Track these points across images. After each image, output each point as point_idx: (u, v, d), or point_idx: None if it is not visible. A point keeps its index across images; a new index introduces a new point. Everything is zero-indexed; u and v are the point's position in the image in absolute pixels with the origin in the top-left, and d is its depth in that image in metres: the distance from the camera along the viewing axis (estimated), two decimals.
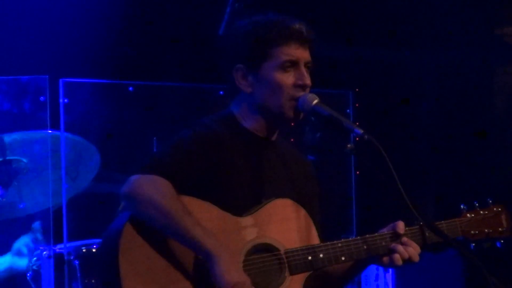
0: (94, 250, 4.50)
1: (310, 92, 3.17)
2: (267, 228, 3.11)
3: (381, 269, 5.58)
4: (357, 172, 5.92)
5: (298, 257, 3.10)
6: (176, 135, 3.13)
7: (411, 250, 3.19)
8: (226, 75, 3.21)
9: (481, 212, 3.39)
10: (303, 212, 3.20)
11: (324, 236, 3.24)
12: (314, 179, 3.37)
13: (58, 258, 4.53)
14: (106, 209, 4.35)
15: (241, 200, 3.10)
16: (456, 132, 6.67)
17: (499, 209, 3.42)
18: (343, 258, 3.15)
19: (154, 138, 5.12)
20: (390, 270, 5.59)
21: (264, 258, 3.07)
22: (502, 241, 3.40)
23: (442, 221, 3.30)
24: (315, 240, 3.20)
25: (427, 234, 3.23)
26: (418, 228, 3.24)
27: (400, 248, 3.18)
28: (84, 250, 4.51)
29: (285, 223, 3.13)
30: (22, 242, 4.64)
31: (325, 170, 5.71)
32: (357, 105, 5.93)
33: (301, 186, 3.28)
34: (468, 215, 3.37)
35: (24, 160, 4.54)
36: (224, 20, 5.52)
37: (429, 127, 6.92)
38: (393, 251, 3.18)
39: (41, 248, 4.60)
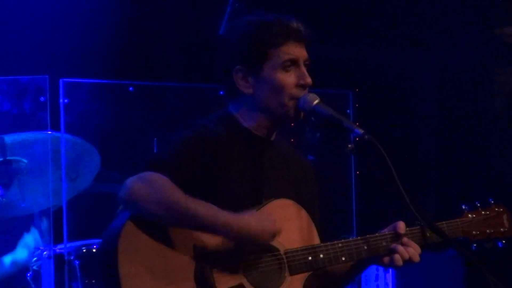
0: (94, 250, 4.50)
1: (311, 92, 3.17)
2: None
3: (381, 269, 5.58)
4: (357, 172, 5.92)
5: (298, 257, 3.10)
6: (174, 136, 3.13)
7: (411, 250, 3.19)
8: (225, 77, 3.21)
9: (483, 212, 3.38)
10: (303, 212, 3.20)
11: (324, 236, 3.24)
12: (314, 179, 3.37)
13: (58, 258, 4.53)
14: (106, 209, 4.33)
15: (241, 200, 3.10)
16: (456, 132, 6.68)
17: (501, 209, 3.42)
18: (343, 259, 3.15)
19: (155, 138, 5.12)
20: (390, 270, 5.59)
21: (263, 258, 3.07)
22: (503, 241, 3.40)
23: (443, 222, 3.30)
24: (315, 240, 3.20)
25: (427, 234, 3.23)
26: (418, 228, 3.23)
27: (400, 248, 3.18)
28: (84, 250, 4.51)
29: (285, 224, 3.12)
30: (31, 237, 4.66)
31: (325, 170, 5.71)
32: (357, 105, 5.92)
33: (301, 186, 3.28)
34: (469, 215, 3.37)
35: (25, 160, 4.55)
36: (224, 20, 5.52)
37: (429, 127, 6.92)
38: (393, 251, 3.18)
39: (41, 248, 4.60)
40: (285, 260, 3.09)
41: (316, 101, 3.13)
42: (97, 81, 5.26)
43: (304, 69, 3.16)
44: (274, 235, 3.00)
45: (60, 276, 4.52)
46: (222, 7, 5.55)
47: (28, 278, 4.59)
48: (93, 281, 4.47)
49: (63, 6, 5.59)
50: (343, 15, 6.37)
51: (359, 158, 3.08)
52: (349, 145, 3.11)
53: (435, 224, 3.19)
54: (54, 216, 4.68)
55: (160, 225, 2.98)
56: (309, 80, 3.15)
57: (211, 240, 3.00)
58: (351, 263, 3.25)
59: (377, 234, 3.21)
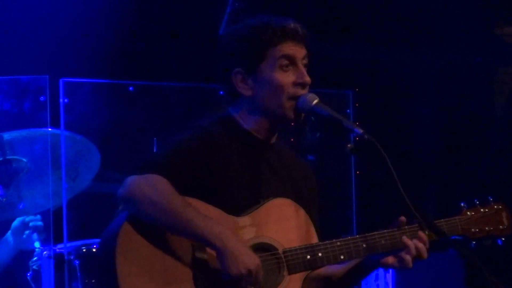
0: (94, 250, 4.50)
1: (310, 92, 3.17)
2: (265, 227, 3.11)
3: (381, 269, 5.57)
4: (357, 172, 5.92)
5: (297, 256, 3.10)
6: (173, 137, 3.14)
7: (420, 244, 3.16)
8: (224, 79, 3.21)
9: (482, 210, 3.38)
10: (301, 211, 3.20)
11: (324, 236, 3.23)
12: (312, 180, 3.37)
13: (58, 258, 4.53)
14: (106, 209, 4.34)
15: (239, 201, 3.10)
16: (456, 132, 6.68)
17: (500, 206, 3.41)
18: (342, 257, 3.15)
19: (154, 138, 5.12)
20: (390, 270, 5.58)
21: (262, 257, 3.06)
22: (503, 238, 3.39)
23: (442, 220, 3.29)
24: (314, 239, 3.20)
25: (426, 232, 3.22)
26: (417, 226, 3.23)
27: (409, 242, 3.15)
28: (84, 250, 4.51)
29: (283, 223, 3.12)
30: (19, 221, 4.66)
31: (325, 170, 5.71)
32: (357, 105, 5.92)
33: (300, 187, 3.28)
34: (468, 213, 3.36)
35: (24, 159, 4.55)
36: (224, 20, 5.53)
37: (429, 126, 6.92)
38: (403, 246, 3.15)
39: (41, 248, 4.61)
40: (283, 259, 3.09)
41: (315, 101, 3.13)
42: (97, 81, 5.26)
43: (302, 68, 3.16)
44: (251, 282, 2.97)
45: (60, 276, 4.52)
46: (222, 7, 5.56)
47: (28, 278, 4.59)
48: (93, 281, 4.47)
49: (63, 6, 5.60)
50: (343, 15, 6.37)
51: (359, 158, 3.08)
52: (349, 145, 3.11)
53: (434, 223, 3.19)
54: (54, 216, 4.68)
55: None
56: (307, 78, 3.15)
57: None
58: (351, 267, 3.24)
59: (376, 232, 3.20)
